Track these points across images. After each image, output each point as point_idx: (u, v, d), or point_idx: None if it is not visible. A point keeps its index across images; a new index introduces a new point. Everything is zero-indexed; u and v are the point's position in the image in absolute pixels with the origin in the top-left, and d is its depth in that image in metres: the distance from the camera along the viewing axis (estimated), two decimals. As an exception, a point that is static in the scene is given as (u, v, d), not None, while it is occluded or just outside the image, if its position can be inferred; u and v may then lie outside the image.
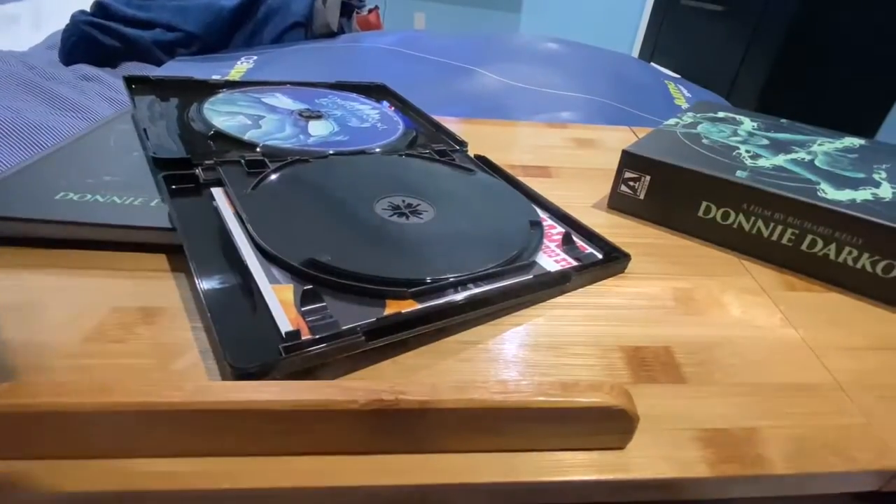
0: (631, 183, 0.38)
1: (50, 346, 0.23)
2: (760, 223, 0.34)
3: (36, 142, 0.52)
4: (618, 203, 0.39)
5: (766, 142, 0.40)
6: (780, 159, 0.37)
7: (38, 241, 0.29)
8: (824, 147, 0.40)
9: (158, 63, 0.80)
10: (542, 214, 0.35)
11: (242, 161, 0.32)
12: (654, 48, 1.92)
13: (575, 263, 0.30)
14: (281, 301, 0.23)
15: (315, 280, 0.25)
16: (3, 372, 0.21)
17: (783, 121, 0.45)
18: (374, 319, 0.23)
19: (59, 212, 0.29)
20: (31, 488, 0.18)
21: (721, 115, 0.46)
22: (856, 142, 0.41)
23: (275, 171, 0.33)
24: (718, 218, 0.35)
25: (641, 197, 0.38)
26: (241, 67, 0.76)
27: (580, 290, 0.30)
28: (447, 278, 0.26)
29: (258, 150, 0.35)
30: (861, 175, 0.35)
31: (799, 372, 0.26)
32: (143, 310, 0.25)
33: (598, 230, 0.33)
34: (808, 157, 0.38)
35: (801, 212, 0.32)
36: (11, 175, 0.32)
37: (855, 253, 0.31)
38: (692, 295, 0.31)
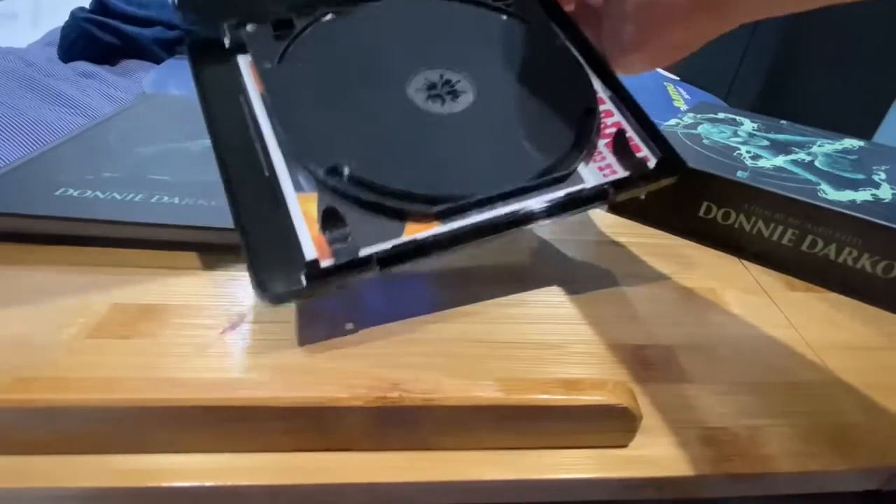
0: (632, 183, 0.38)
1: (51, 342, 0.23)
2: (761, 223, 0.34)
3: (35, 138, 0.52)
4: (618, 203, 0.39)
5: (766, 143, 0.40)
6: (781, 160, 0.37)
7: (37, 238, 0.29)
8: (824, 148, 0.40)
9: (158, 60, 0.80)
10: (600, 92, 0.29)
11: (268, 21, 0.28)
12: (653, 50, 1.92)
13: (621, 173, 0.26)
14: (305, 214, 0.22)
15: (337, 191, 0.23)
16: (4, 369, 0.21)
17: (783, 122, 0.45)
18: (389, 246, 0.22)
19: (59, 208, 0.29)
20: (34, 484, 0.18)
21: (721, 115, 0.46)
22: (855, 143, 0.41)
23: (300, 33, 0.28)
24: (719, 218, 0.35)
25: (642, 197, 0.38)
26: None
27: (581, 289, 0.30)
28: (474, 196, 0.24)
29: None
30: (861, 176, 0.35)
31: (800, 371, 0.26)
32: (145, 306, 0.25)
33: (598, 231, 0.33)
34: (808, 158, 0.38)
35: (802, 212, 0.32)
36: (10, 171, 0.32)
37: (855, 253, 0.31)
38: (693, 295, 0.31)
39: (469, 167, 0.25)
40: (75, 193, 0.30)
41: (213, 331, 0.24)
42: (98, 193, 0.31)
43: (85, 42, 0.78)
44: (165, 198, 0.31)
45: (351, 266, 0.21)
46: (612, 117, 0.28)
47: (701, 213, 0.36)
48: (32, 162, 0.33)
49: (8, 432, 0.18)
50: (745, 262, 0.35)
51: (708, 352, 0.26)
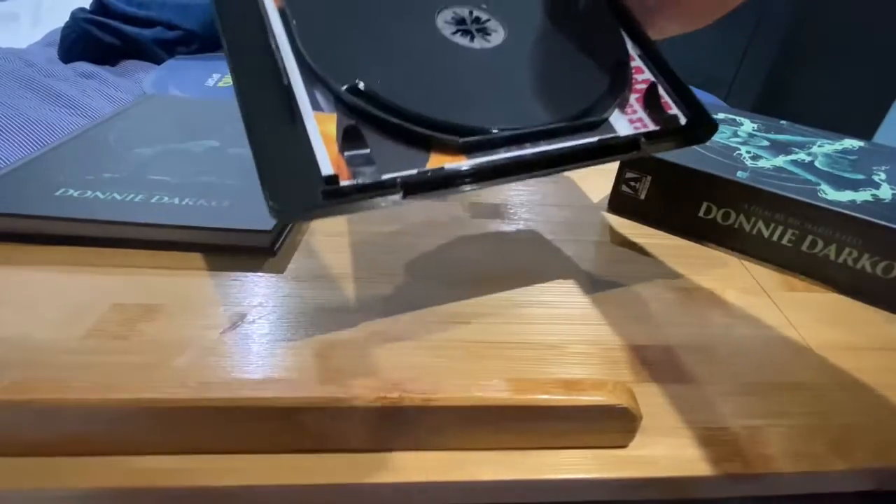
0: (632, 183, 0.38)
1: (51, 342, 0.23)
2: (761, 224, 0.34)
3: (35, 139, 0.52)
4: (619, 203, 0.39)
5: (766, 143, 0.40)
6: (781, 160, 0.37)
7: (37, 238, 0.29)
8: (824, 148, 0.40)
9: (158, 61, 0.80)
10: (631, 50, 0.28)
11: None
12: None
13: (652, 127, 0.25)
14: (323, 134, 0.21)
15: (358, 112, 0.22)
16: (4, 369, 0.21)
17: (783, 122, 0.45)
18: (414, 172, 0.21)
19: (59, 208, 0.29)
20: (32, 485, 0.18)
21: (721, 116, 0.46)
22: (855, 143, 0.41)
23: None
24: (719, 218, 0.35)
25: (642, 197, 0.38)
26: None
27: (581, 289, 0.30)
28: (503, 132, 0.23)
29: None
30: (861, 176, 0.35)
31: (800, 371, 0.26)
32: (145, 306, 0.25)
33: (599, 231, 0.33)
34: (808, 159, 0.38)
35: (802, 212, 0.32)
36: (11, 171, 0.32)
37: (855, 254, 0.31)
38: (693, 295, 0.31)
39: (498, 104, 0.24)
40: (75, 194, 0.31)
41: (213, 331, 0.24)
42: (98, 194, 0.31)
43: (85, 42, 0.78)
44: (165, 198, 0.31)
45: (372, 188, 0.20)
46: (642, 74, 0.27)
47: (701, 214, 0.36)
48: (33, 162, 0.34)
49: (8, 432, 0.18)
50: (745, 263, 0.35)
51: (708, 352, 0.26)
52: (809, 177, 0.35)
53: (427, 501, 0.20)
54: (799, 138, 0.42)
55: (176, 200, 0.31)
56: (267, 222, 0.30)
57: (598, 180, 0.44)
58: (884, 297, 0.31)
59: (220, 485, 0.18)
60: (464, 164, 0.22)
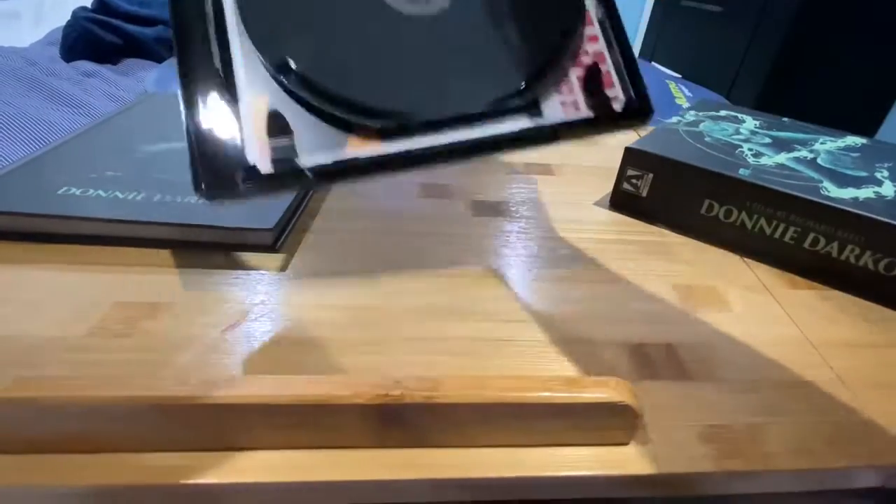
0: (634, 181, 0.38)
1: (53, 341, 0.23)
2: (763, 221, 0.34)
3: (37, 137, 0.52)
4: (620, 201, 0.39)
5: (768, 140, 0.40)
6: (783, 157, 0.37)
7: (40, 237, 0.29)
8: (826, 146, 0.40)
9: (160, 60, 0.80)
10: (591, 9, 0.26)
11: None
12: (655, 48, 1.92)
13: (584, 112, 0.24)
14: (256, 112, 0.21)
15: (287, 90, 0.22)
16: (7, 367, 0.21)
17: (785, 119, 0.45)
18: (328, 162, 0.21)
19: (62, 207, 0.29)
20: (36, 483, 0.18)
21: (723, 113, 0.46)
22: (857, 140, 0.41)
23: None
24: (721, 216, 0.35)
25: (644, 194, 0.38)
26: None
27: (583, 287, 0.30)
28: (421, 118, 0.23)
29: None
30: (863, 173, 0.35)
31: (801, 369, 0.26)
32: (147, 305, 0.25)
33: (600, 229, 0.33)
34: (810, 156, 0.38)
35: (804, 210, 0.32)
36: (13, 170, 0.32)
37: (857, 251, 0.31)
38: (694, 292, 0.31)
39: (424, 84, 0.24)
40: (78, 192, 0.31)
41: (215, 329, 0.24)
42: (100, 192, 0.31)
43: (87, 41, 0.78)
44: (167, 197, 0.31)
45: (288, 175, 0.20)
46: (595, 43, 0.26)
47: (703, 211, 0.36)
48: (35, 161, 0.34)
49: (10, 431, 0.18)
50: (747, 260, 0.35)
51: (709, 349, 0.26)
52: (812, 174, 0.35)
53: (429, 498, 0.20)
54: (801, 135, 0.42)
55: (178, 199, 0.31)
56: (269, 220, 0.30)
57: (599, 178, 0.44)
58: (885, 295, 0.31)
59: (221, 482, 0.18)
60: (379, 149, 0.22)
